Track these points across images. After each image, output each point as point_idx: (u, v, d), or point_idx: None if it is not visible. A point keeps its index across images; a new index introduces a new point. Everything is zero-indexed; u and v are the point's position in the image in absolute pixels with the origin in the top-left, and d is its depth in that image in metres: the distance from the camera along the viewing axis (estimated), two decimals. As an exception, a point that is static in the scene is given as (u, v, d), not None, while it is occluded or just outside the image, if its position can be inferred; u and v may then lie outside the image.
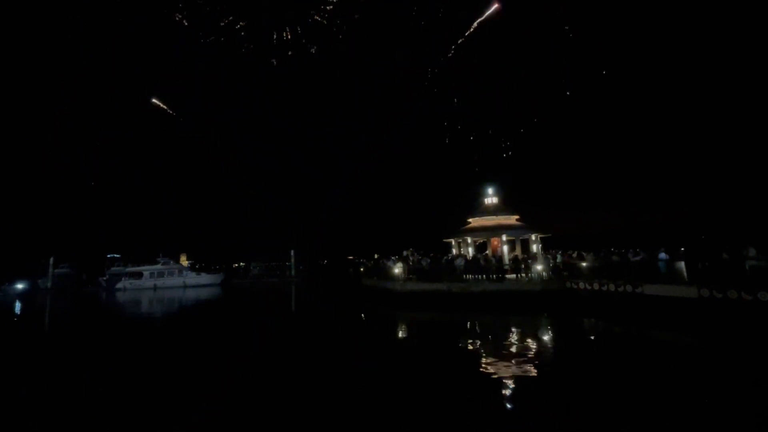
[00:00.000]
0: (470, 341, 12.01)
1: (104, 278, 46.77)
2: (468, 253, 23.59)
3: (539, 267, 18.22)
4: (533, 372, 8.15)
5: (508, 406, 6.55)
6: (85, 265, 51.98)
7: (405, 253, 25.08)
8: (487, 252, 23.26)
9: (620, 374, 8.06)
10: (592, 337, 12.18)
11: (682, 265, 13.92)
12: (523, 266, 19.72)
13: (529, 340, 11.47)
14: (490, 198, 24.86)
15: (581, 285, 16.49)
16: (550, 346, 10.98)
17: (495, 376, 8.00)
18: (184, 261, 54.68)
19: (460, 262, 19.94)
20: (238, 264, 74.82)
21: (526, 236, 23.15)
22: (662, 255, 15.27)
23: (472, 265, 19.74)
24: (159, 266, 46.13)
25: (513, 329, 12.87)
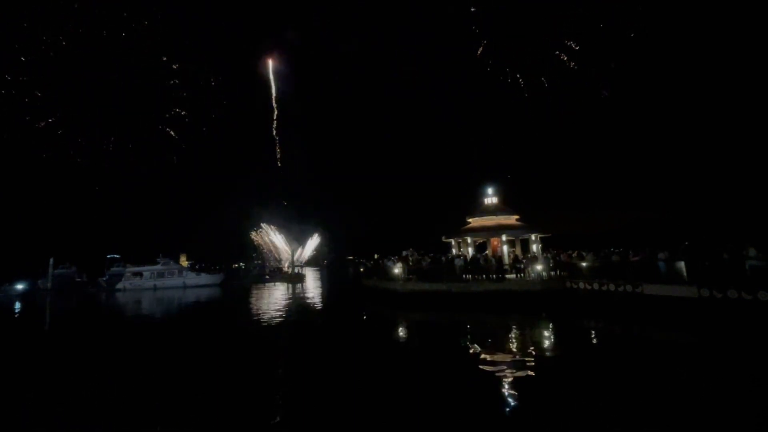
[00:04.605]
0: (470, 341, 12.00)
1: (104, 278, 46.74)
2: (468, 253, 23.57)
3: (539, 267, 18.20)
4: (533, 372, 8.14)
5: (509, 406, 6.54)
6: (85, 266, 52.02)
7: (405, 253, 25.04)
8: (487, 252, 23.24)
9: (620, 374, 8.05)
10: (592, 337, 12.17)
11: (682, 265, 13.91)
12: (522, 266, 19.72)
13: (529, 341, 11.46)
14: (490, 198, 24.83)
15: (581, 285, 16.48)
16: (550, 346, 10.98)
17: (495, 377, 7.99)
18: (184, 261, 54.73)
19: (460, 262, 19.93)
20: (238, 264, 74.90)
21: (526, 236, 23.12)
22: (662, 255, 15.26)
23: (472, 265, 19.72)
24: (159, 266, 46.09)
25: (513, 329, 12.86)
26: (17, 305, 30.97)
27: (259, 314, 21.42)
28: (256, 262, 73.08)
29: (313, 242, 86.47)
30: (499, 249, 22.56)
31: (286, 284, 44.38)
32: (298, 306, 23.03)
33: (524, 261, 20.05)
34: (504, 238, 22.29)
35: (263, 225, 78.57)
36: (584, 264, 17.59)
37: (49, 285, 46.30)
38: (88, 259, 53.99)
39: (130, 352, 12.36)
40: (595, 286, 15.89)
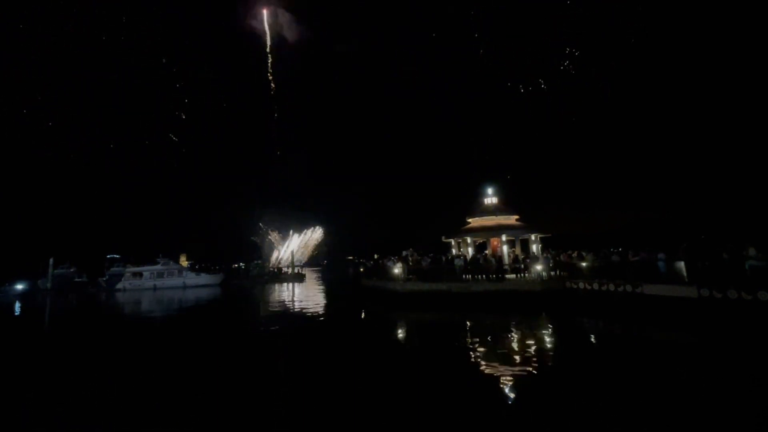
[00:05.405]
0: (470, 341, 11.99)
1: (104, 278, 46.73)
2: (468, 253, 23.55)
3: (539, 267, 18.19)
4: (533, 372, 8.14)
5: (509, 406, 6.53)
6: (85, 266, 51.96)
7: (405, 253, 25.03)
8: (487, 252, 23.22)
9: (620, 374, 8.05)
10: (592, 337, 12.17)
11: (681, 264, 13.89)
12: (523, 266, 19.69)
13: (529, 341, 11.45)
14: (490, 198, 24.82)
15: (581, 285, 16.47)
16: (550, 346, 10.97)
17: (495, 377, 7.99)
18: (184, 261, 54.62)
19: (460, 262, 19.91)
20: (238, 264, 74.82)
21: (526, 236, 23.11)
22: (662, 255, 15.24)
23: (472, 265, 19.71)
24: (159, 266, 46.08)
25: (513, 329, 12.86)
26: (17, 305, 30.96)
27: (259, 314, 21.43)
28: (256, 262, 73.00)
29: (315, 235, 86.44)
30: (499, 249, 22.55)
31: (286, 284, 44.39)
32: (297, 306, 23.03)
33: (524, 261, 20.04)
34: (504, 238, 22.28)
35: (262, 225, 78.74)
36: (584, 264, 17.57)
37: (48, 285, 46.26)
38: (88, 259, 53.92)
39: (130, 352, 12.35)
40: (595, 286, 15.87)
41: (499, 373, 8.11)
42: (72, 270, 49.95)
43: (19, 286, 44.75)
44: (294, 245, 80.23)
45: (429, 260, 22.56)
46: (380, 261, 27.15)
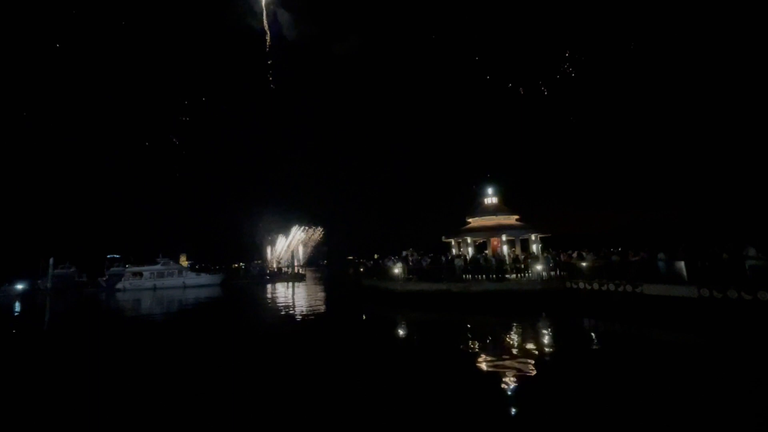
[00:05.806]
0: (470, 341, 12.00)
1: (104, 278, 46.74)
2: (468, 253, 23.55)
3: (539, 267, 18.19)
4: (533, 372, 8.14)
5: (508, 406, 6.53)
6: (85, 265, 51.98)
7: (405, 253, 25.04)
8: (487, 252, 23.22)
9: (620, 374, 8.05)
10: (592, 337, 12.17)
11: (681, 264, 13.89)
12: (523, 266, 19.68)
13: (529, 340, 11.45)
14: (490, 198, 24.80)
15: (581, 285, 16.46)
16: (550, 346, 10.97)
17: (495, 377, 7.99)
18: (184, 261, 54.63)
19: (460, 262, 19.91)
20: (238, 264, 74.83)
21: (526, 236, 23.10)
22: (662, 255, 15.24)
23: (472, 265, 19.70)
24: (159, 266, 46.05)
25: (513, 329, 12.86)
26: (17, 305, 30.96)
27: (259, 314, 21.44)
28: (256, 262, 73.02)
29: (315, 234, 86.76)
30: (499, 249, 22.54)
31: (286, 284, 44.38)
32: (297, 306, 23.02)
33: (525, 261, 20.03)
34: (504, 238, 22.28)
35: (261, 225, 79.05)
36: (584, 264, 17.57)
37: (49, 285, 46.22)
38: (88, 259, 53.94)
39: (130, 352, 12.35)
40: (595, 286, 15.87)
41: (498, 374, 8.11)
42: (72, 270, 49.94)
43: (19, 286, 44.73)
44: (294, 244, 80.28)
45: (429, 260, 22.56)
46: (380, 261, 27.15)
